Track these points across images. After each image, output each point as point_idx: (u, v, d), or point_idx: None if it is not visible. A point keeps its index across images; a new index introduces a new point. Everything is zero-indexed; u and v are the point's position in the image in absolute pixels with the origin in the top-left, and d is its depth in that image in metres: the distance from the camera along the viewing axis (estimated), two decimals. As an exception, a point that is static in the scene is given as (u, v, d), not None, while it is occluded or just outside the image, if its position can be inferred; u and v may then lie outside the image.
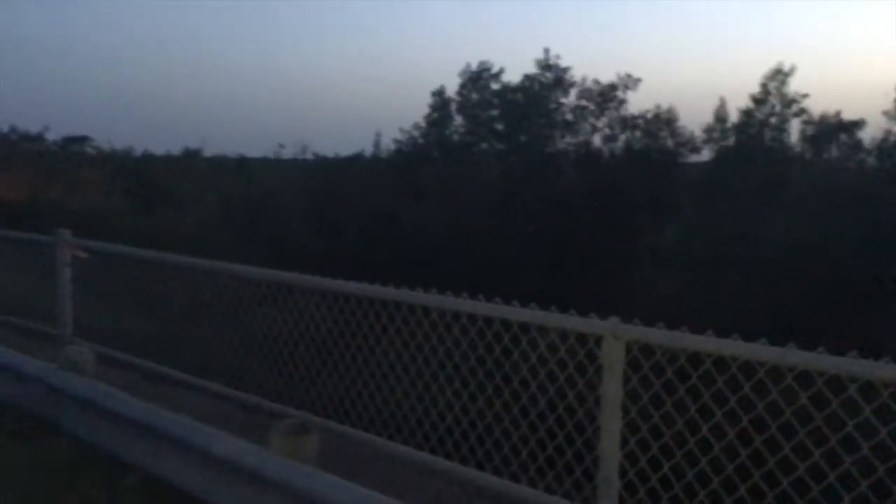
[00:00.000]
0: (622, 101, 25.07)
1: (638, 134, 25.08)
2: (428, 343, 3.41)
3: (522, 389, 3.18)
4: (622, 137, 25.38)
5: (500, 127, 27.74)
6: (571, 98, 25.82)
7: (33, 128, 42.88)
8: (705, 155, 25.17)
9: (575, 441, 3.01)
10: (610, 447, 2.83)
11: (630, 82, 25.00)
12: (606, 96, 25.12)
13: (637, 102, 25.43)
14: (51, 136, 43.57)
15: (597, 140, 25.83)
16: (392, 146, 29.86)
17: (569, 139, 26.02)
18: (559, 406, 3.04)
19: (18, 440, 4.41)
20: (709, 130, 24.59)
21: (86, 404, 4.45)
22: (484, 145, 28.69)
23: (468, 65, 28.07)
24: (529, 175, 24.98)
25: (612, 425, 2.82)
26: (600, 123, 25.51)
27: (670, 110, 24.84)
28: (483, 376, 3.33)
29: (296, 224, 27.56)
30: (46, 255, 6.22)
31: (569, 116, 25.88)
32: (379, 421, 3.75)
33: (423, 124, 28.93)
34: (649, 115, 24.85)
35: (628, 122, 25.09)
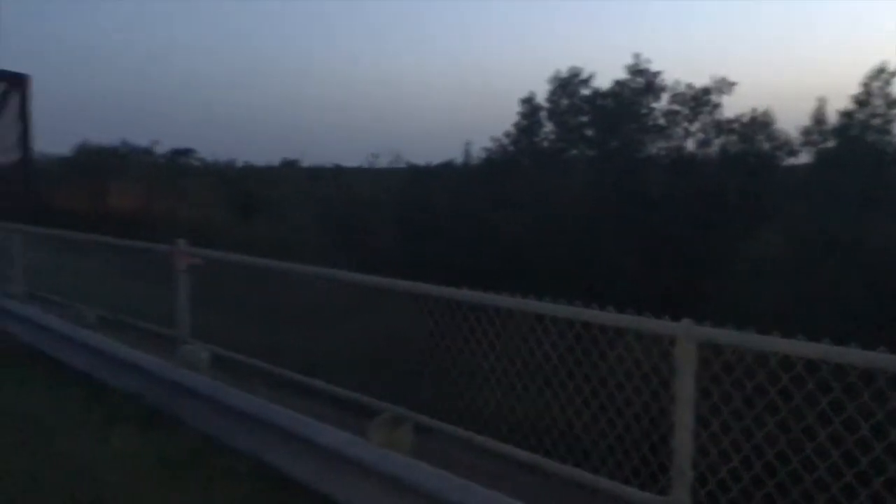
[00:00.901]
0: (716, 105, 24.62)
1: (733, 138, 24.56)
2: (513, 343, 3.67)
3: (601, 387, 3.38)
4: (716, 142, 24.91)
5: (590, 133, 27.65)
6: (663, 103, 25.53)
7: (143, 141, 45.16)
8: (803, 158, 24.41)
9: (651, 435, 3.20)
10: (683, 441, 3.01)
11: (724, 86, 24.53)
12: (700, 100, 24.71)
13: (731, 106, 24.94)
14: (159, 149, 45.82)
15: (690, 145, 25.44)
16: (482, 154, 30.12)
17: (661, 144, 25.73)
18: (636, 403, 3.24)
19: (143, 429, 4.87)
20: (807, 133, 23.85)
21: (202, 398, 4.90)
22: (574, 151, 28.64)
23: (557, 71, 28.13)
24: (621, 180, 24.82)
25: (684, 421, 3.00)
26: (693, 128, 25.12)
27: (766, 113, 24.24)
28: (565, 375, 3.55)
29: (388, 231, 28.19)
30: (164, 262, 6.79)
31: (661, 121, 25.59)
32: (467, 416, 4.02)
33: (512, 131, 29.11)
34: (745, 119, 24.31)
35: (723, 126, 24.60)
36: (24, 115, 16.24)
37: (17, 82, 16.13)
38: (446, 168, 32.05)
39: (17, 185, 16.62)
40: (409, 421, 4.07)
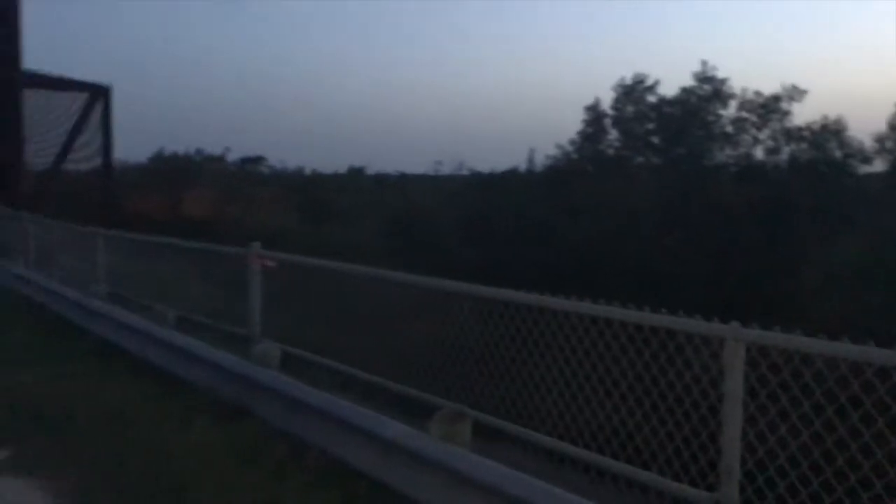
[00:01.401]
0: (786, 113, 24.17)
1: (804, 145, 24.06)
2: (568, 344, 3.82)
3: (653, 386, 3.50)
4: (786, 149, 24.44)
5: (656, 140, 27.43)
6: (731, 110, 25.19)
7: (216, 149, 46.49)
8: (878, 166, 23.74)
9: (699, 433, 3.30)
10: (731, 439, 3.11)
11: (795, 93, 24.07)
12: (769, 108, 24.30)
13: (802, 113, 24.44)
14: (230, 157, 47.09)
15: (758, 152, 25.02)
16: (546, 161, 30.16)
17: (728, 152, 25.36)
18: (686, 402, 3.34)
19: (218, 421, 5.17)
20: (881, 140, 23.20)
21: (273, 393, 5.17)
22: (640, 159, 28.44)
23: (622, 78, 28.02)
24: (687, 188, 24.55)
25: (733, 419, 3.10)
26: (762, 135, 24.70)
27: (838, 121, 23.67)
28: (618, 374, 3.68)
29: (452, 238, 28.47)
30: (237, 264, 7.13)
31: (728, 129, 25.25)
32: (524, 414, 4.19)
33: (577, 139, 29.09)
34: (816, 126, 23.79)
35: (793, 134, 24.13)
36: (105, 125, 17.07)
37: (99, 93, 16.95)
38: (510, 175, 32.21)
39: (97, 191, 17.47)
40: (468, 417, 4.24)
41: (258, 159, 51.80)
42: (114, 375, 6.52)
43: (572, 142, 29.21)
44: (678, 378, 3.36)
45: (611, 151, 28.81)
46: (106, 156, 17.19)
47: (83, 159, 17.20)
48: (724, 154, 25.48)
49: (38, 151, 16.15)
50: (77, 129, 16.68)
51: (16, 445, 5.20)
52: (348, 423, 4.44)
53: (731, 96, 25.06)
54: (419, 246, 26.56)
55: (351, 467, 4.26)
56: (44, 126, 16.35)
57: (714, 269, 21.29)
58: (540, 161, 30.88)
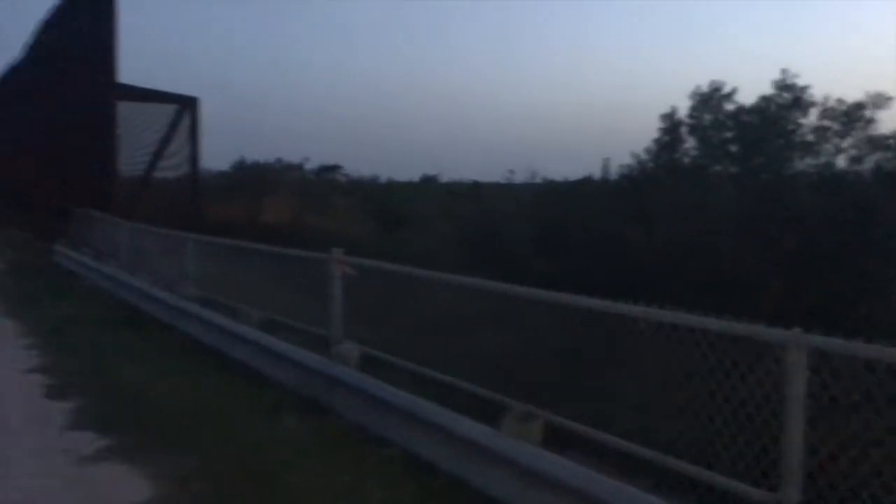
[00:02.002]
0: (870, 121, 23.42)
1: (889, 154, 23.27)
2: (637, 348, 3.98)
3: (717, 390, 3.62)
4: (870, 158, 23.67)
5: (733, 149, 26.94)
6: (812, 118, 24.54)
7: (295, 158, 47.76)
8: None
9: (762, 435, 3.42)
10: (793, 441, 3.22)
11: (880, 100, 23.30)
12: (852, 115, 23.60)
13: (887, 121, 23.63)
14: (309, 165, 48.32)
15: (841, 161, 24.30)
16: (621, 170, 29.92)
17: (809, 161, 24.72)
18: (749, 404, 3.46)
19: (303, 416, 5.49)
20: (975, 148, 22.28)
21: (354, 390, 5.46)
22: (717, 168, 27.96)
23: (698, 86, 27.62)
24: (766, 197, 24.05)
25: (794, 422, 3.21)
26: (845, 144, 24.00)
27: (928, 129, 22.81)
28: (682, 377, 3.81)
29: (524, 246, 28.54)
30: (318, 269, 7.48)
31: (809, 137, 24.61)
32: (593, 416, 4.37)
33: (652, 147, 28.78)
34: (903, 134, 22.98)
35: (878, 143, 23.37)
36: (193, 134, 17.86)
37: (187, 104, 17.77)
38: (584, 184, 32.07)
39: (185, 198, 18.27)
40: (538, 418, 4.43)
41: (335, 168, 52.95)
42: (204, 372, 6.94)
43: (648, 150, 28.90)
44: (742, 382, 3.48)
45: (687, 160, 28.40)
46: (193, 164, 17.97)
47: (172, 168, 18.03)
48: (805, 163, 24.84)
49: (130, 160, 17.01)
50: (166, 139, 17.51)
51: (117, 434, 5.62)
52: (424, 420, 4.69)
53: (812, 104, 24.43)
54: (492, 254, 26.72)
55: (427, 461, 4.50)
56: (135, 136, 17.22)
57: (793, 281, 20.80)
58: (615, 170, 30.64)
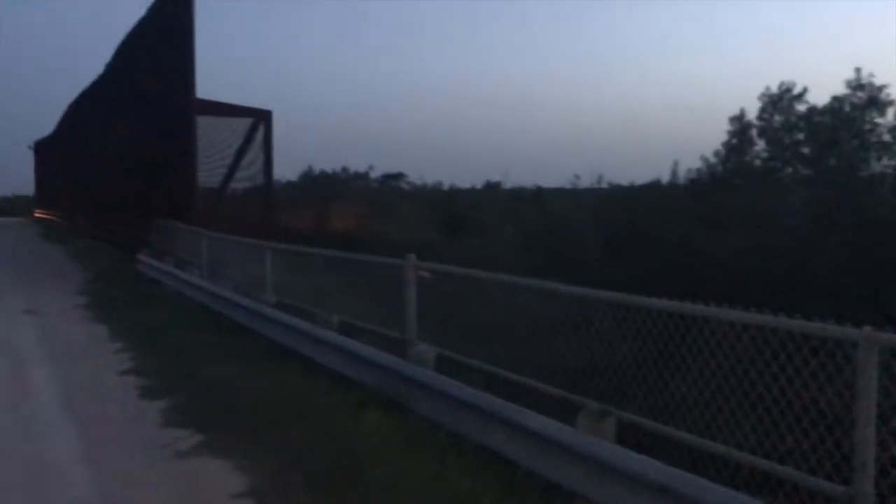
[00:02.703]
0: (952, 119, 22.66)
1: (972, 153, 22.48)
2: (707, 347, 4.11)
3: (788, 386, 3.73)
4: (952, 158, 22.90)
5: (806, 151, 26.38)
6: (889, 118, 23.86)
7: (360, 166, 48.63)
8: None
9: (834, 430, 3.51)
10: (864, 436, 3.31)
11: (962, 97, 22.54)
12: (932, 114, 22.87)
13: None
14: (373, 174, 49.14)
15: (921, 162, 23.54)
16: (690, 174, 29.58)
17: (886, 161, 24.04)
18: (820, 400, 3.56)
19: (385, 413, 5.76)
20: None
21: (431, 390, 5.70)
22: (789, 170, 27.42)
23: (767, 87, 27.14)
24: (841, 200, 23.49)
25: (865, 417, 3.30)
26: (925, 143, 23.26)
27: None
28: (755, 375, 3.93)
29: (590, 251, 28.45)
30: (390, 274, 7.76)
31: (886, 137, 23.93)
32: (665, 414, 4.51)
33: (721, 150, 28.38)
34: None
35: (960, 141, 22.61)
36: (267, 146, 18.45)
37: (261, 117, 18.38)
38: (651, 188, 31.80)
39: (259, 208, 18.88)
40: (612, 415, 4.59)
41: (398, 176, 53.71)
42: (288, 373, 7.29)
43: (717, 153, 28.51)
44: (812, 378, 3.58)
45: (757, 163, 27.92)
46: (267, 175, 18.55)
47: (247, 179, 18.65)
48: (881, 164, 24.17)
49: (208, 172, 17.67)
50: (242, 151, 18.13)
51: (211, 431, 5.99)
52: (500, 417, 4.89)
53: (890, 103, 23.76)
54: (557, 259, 26.74)
55: (505, 457, 4.70)
56: (213, 149, 17.89)
57: (870, 285, 20.28)
58: (683, 174, 30.30)
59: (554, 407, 5.37)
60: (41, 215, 48.36)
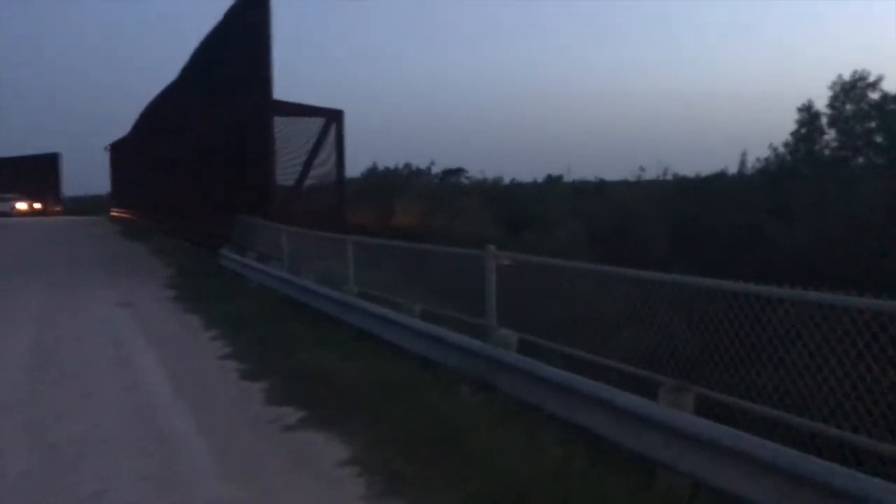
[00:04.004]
0: None
1: None
2: (794, 329, 4.43)
3: (874, 363, 4.00)
4: None
5: (879, 139, 25.89)
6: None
7: (423, 162, 49.30)
8: None
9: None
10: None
11: None
12: None
13: None
14: (434, 169, 49.75)
15: None
16: (758, 164, 29.32)
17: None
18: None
19: (474, 392, 6.16)
20: None
21: (517, 370, 6.08)
22: (860, 159, 26.95)
23: (839, 76, 26.73)
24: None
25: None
26: None
27: None
28: (841, 353, 4.21)
29: (657, 242, 28.42)
30: (474, 265, 8.15)
31: (963, 123, 23.37)
32: (742, 389, 4.83)
33: (790, 140, 28.05)
34: None
35: None
36: (339, 144, 19.06)
37: (334, 117, 18.99)
38: (718, 179, 31.58)
39: (331, 204, 19.52)
40: (691, 390, 4.90)
41: (458, 171, 54.18)
42: (376, 357, 7.76)
43: (786, 143, 28.20)
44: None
45: (827, 152, 27.52)
46: (339, 173, 19.15)
47: (320, 176, 19.29)
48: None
49: (284, 170, 18.35)
50: (315, 150, 18.76)
51: (311, 407, 6.50)
52: (584, 394, 5.25)
53: (968, 89, 23.21)
54: (623, 251, 26.81)
55: (592, 431, 5.06)
56: (288, 147, 18.57)
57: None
58: (751, 164, 30.05)
59: (633, 386, 5.69)
60: (117, 214, 50.36)
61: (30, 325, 11.36)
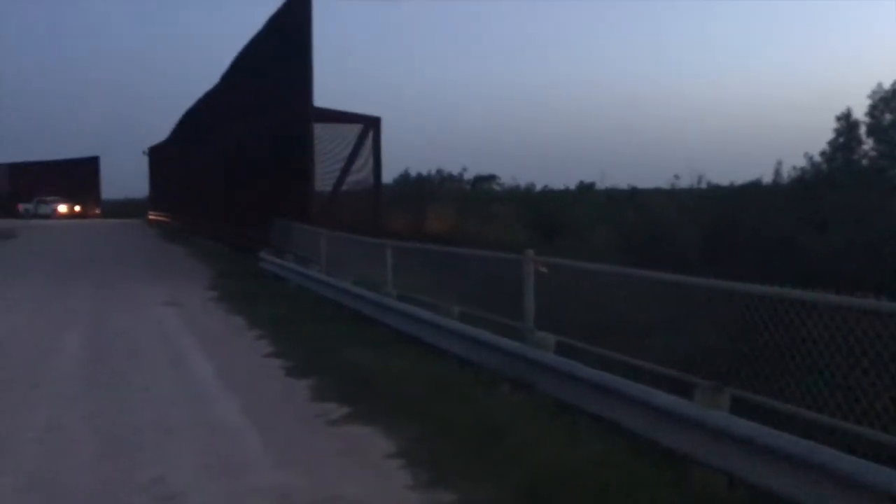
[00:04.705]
0: None
1: None
2: (827, 332, 4.62)
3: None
4: None
5: (918, 149, 25.67)
6: None
7: (455, 168, 49.59)
8: None
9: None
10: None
11: None
12: None
13: None
14: (466, 175, 50.02)
15: None
16: (794, 173, 29.16)
17: None
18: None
19: (509, 391, 6.39)
20: None
21: (556, 371, 6.29)
22: (899, 169, 26.71)
23: (879, 84, 26.53)
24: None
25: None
26: None
27: None
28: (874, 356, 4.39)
29: (690, 250, 28.29)
30: (512, 269, 8.38)
31: None
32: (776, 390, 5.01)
33: (827, 149, 27.89)
34: None
35: None
36: (376, 151, 19.44)
37: (371, 123, 19.38)
38: (752, 188, 31.37)
39: (368, 208, 19.89)
40: (726, 390, 5.08)
41: (490, 178, 54.41)
42: (416, 356, 8.02)
43: (822, 153, 28.03)
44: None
45: (866, 162, 27.30)
46: (376, 178, 19.52)
47: (356, 182, 19.68)
48: None
49: (322, 175, 18.76)
50: (353, 156, 19.16)
51: (355, 403, 6.76)
52: (621, 393, 5.45)
53: None
54: (657, 259, 26.75)
55: (630, 429, 5.26)
56: (326, 153, 18.99)
57: None
58: (787, 173, 29.87)
59: (664, 389, 5.88)
60: (155, 217, 51.34)
61: (81, 323, 11.81)
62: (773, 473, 4.19)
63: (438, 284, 10.55)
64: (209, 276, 18.08)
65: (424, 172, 49.66)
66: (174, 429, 6.27)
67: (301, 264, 15.18)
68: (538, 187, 53.77)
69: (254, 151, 22.69)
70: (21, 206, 65.45)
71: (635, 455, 4.80)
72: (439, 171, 51.01)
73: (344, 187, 19.69)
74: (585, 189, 51.84)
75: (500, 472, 4.80)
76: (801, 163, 28.95)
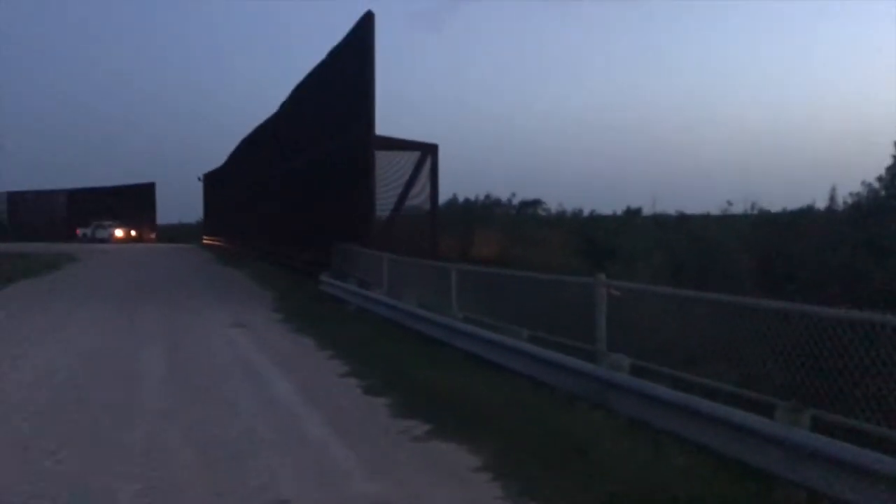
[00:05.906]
0: None
1: None
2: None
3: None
4: None
5: (980, 173, 25.21)
6: None
7: (503, 194, 49.94)
8: None
9: None
10: None
11: None
12: None
13: None
14: (514, 201, 50.31)
15: None
16: (850, 198, 28.79)
17: None
18: None
19: (587, 410, 6.61)
20: None
21: (631, 392, 6.52)
22: (960, 194, 26.24)
23: (938, 109, 26.17)
24: None
25: None
26: None
27: None
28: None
29: (743, 277, 28.14)
30: (581, 293, 8.63)
31: None
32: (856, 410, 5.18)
33: (884, 175, 27.52)
34: None
35: None
36: (433, 177, 19.88)
37: (429, 150, 19.85)
38: (805, 214, 31.08)
39: (425, 233, 20.30)
40: (806, 410, 5.26)
41: (535, 202, 54.58)
42: (488, 377, 8.31)
43: (879, 178, 27.66)
44: None
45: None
46: (432, 204, 19.94)
47: (413, 207, 20.13)
48: None
49: (382, 201, 19.24)
50: (411, 182, 19.63)
51: (435, 421, 7.03)
52: (700, 412, 5.66)
53: None
54: (708, 285, 26.63)
55: (705, 445, 5.46)
56: (385, 179, 19.48)
57: None
58: (843, 199, 29.49)
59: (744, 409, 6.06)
60: (209, 241, 52.59)
61: (158, 344, 12.30)
62: (857, 489, 4.37)
63: (501, 307, 10.82)
64: (271, 298, 18.60)
65: (472, 197, 50.05)
66: (267, 441, 6.61)
67: (363, 287, 15.58)
68: (585, 212, 53.75)
69: (315, 177, 23.32)
70: (79, 231, 67.59)
71: (723, 468, 5.00)
72: (487, 196, 51.37)
73: (403, 212, 20.13)
74: (633, 214, 51.70)
75: (587, 483, 5.04)
76: (858, 189, 28.59)
